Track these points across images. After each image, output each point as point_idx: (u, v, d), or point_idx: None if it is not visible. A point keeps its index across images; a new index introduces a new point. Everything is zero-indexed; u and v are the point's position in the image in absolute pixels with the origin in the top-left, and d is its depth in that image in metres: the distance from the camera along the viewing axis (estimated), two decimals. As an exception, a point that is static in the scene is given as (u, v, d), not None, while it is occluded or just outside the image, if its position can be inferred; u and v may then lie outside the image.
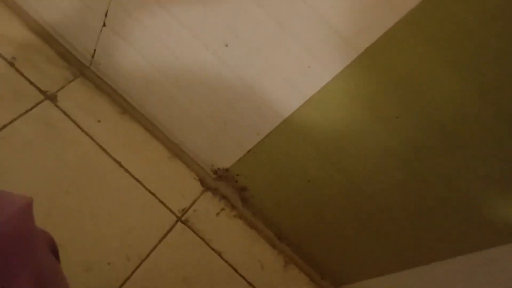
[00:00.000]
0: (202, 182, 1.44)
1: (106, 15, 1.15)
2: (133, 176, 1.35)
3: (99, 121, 1.38)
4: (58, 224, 1.20)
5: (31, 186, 1.20)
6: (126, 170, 1.35)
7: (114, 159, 1.34)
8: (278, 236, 1.47)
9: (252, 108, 1.14)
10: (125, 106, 1.42)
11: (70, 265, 1.17)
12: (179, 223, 1.35)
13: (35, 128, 1.27)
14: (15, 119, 1.25)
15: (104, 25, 1.18)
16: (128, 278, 1.22)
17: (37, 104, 1.29)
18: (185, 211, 1.37)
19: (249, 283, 1.38)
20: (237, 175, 1.36)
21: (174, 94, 1.25)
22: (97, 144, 1.34)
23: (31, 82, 1.32)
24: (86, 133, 1.34)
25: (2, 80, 1.28)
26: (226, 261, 1.37)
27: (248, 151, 1.25)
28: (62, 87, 1.35)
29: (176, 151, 1.43)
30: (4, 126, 1.23)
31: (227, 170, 1.37)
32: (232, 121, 1.21)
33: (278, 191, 1.34)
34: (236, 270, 1.38)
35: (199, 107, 1.23)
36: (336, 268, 1.47)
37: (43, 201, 1.21)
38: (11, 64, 1.32)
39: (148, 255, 1.26)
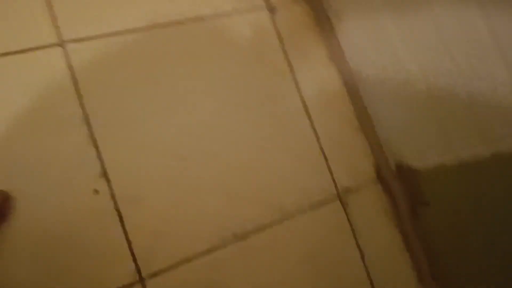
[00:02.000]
0: (378, 171, 1.22)
1: None
2: (312, 126, 1.18)
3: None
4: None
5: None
6: (307, 113, 1.19)
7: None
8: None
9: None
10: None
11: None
12: (338, 201, 1.16)
13: None
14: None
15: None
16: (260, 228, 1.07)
17: None
18: (347, 191, 1.17)
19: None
20: (425, 183, 1.12)
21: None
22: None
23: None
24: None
25: None
26: (365, 266, 1.15)
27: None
28: None
29: (366, 126, 1.23)
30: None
31: (414, 171, 1.13)
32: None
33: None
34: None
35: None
36: None
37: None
38: None
39: (292, 216, 1.10)
